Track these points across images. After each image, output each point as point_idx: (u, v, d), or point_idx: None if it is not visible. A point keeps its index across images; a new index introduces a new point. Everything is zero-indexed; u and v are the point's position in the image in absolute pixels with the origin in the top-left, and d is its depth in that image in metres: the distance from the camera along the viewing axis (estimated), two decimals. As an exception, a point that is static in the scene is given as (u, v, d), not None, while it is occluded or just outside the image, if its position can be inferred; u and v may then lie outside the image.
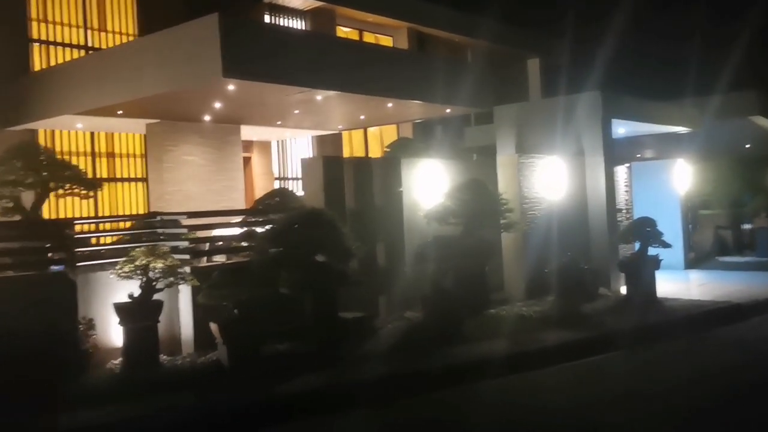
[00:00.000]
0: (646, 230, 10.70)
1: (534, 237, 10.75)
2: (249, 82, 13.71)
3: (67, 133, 19.67)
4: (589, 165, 11.87)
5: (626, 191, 13.26)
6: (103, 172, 20.09)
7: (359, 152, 22.75)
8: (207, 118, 18.25)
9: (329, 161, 8.87)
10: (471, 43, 24.95)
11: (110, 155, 20.38)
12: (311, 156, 8.77)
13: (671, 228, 14.66)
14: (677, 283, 12.78)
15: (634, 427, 5.85)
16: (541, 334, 8.72)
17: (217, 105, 16.36)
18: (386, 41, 22.69)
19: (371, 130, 24.29)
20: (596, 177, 11.78)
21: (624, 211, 13.10)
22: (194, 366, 7.15)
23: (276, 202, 9.47)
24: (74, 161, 19.47)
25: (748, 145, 21.37)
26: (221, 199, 17.55)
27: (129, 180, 20.40)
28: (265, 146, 25.81)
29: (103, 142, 20.20)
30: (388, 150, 12.12)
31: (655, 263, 10.70)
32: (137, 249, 7.16)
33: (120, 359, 7.15)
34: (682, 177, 15.03)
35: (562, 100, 12.17)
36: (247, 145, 24.87)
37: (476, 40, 24.27)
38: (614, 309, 10.07)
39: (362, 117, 19.85)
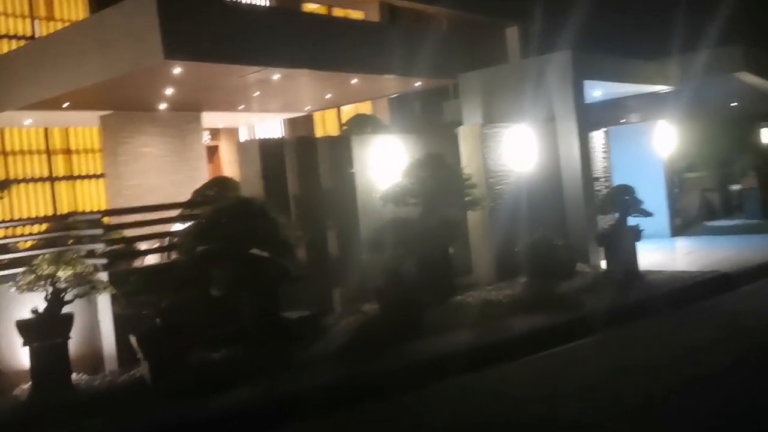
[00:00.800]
0: (624, 199, 9.87)
1: (503, 214, 9.92)
2: (197, 64, 12.81)
3: (18, 131, 18.68)
4: (561, 132, 11.01)
5: (604, 158, 12.42)
6: (59, 170, 19.16)
7: (333, 133, 21.86)
8: (163, 106, 17.31)
9: (266, 144, 7.99)
10: (446, 14, 23.94)
11: (66, 152, 19.42)
12: (246, 139, 7.91)
13: (655, 194, 13.85)
14: (662, 253, 11.99)
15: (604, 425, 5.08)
16: (510, 321, 7.93)
17: (170, 91, 15.40)
18: (357, 16, 21.68)
19: (345, 109, 23.36)
20: (569, 144, 10.92)
21: (602, 179, 12.26)
22: (113, 385, 6.33)
23: (215, 192, 8.62)
24: (28, 161, 18.60)
25: (734, 103, 20.51)
26: (184, 191, 16.53)
27: (88, 177, 19.48)
28: (232, 133, 24.80)
29: (57, 139, 19.26)
30: (345, 128, 11.23)
31: (636, 234, 9.89)
32: (41, 257, 6.31)
33: (30, 383, 6.33)
34: (665, 139, 14.18)
35: (531, 63, 11.29)
36: (215, 134, 23.91)
37: (451, 10, 23.29)
38: (592, 287, 9.27)
39: (328, 96, 18.89)
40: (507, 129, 10.23)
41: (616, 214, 9.98)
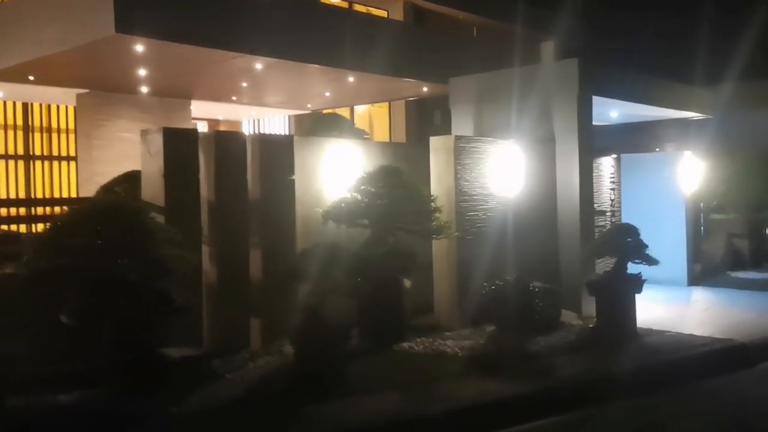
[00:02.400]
0: (625, 241, 8.14)
1: (476, 245, 8.24)
2: (161, 43, 11.48)
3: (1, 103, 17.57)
4: (560, 154, 9.31)
5: (612, 189, 10.66)
6: (37, 148, 18.00)
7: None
8: (144, 89, 16.08)
9: (174, 134, 6.46)
10: (476, 21, 22.32)
11: (46, 130, 18.25)
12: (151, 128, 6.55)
13: (673, 235, 12.06)
14: (671, 307, 10.17)
15: None
16: (459, 385, 6.26)
17: (145, 72, 14.15)
18: (380, 14, 20.26)
19: (359, 111, 21.93)
20: (568, 169, 9.22)
21: (608, 213, 10.51)
22: None
23: (123, 189, 7.14)
24: (1, 135, 17.46)
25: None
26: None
27: (67, 159, 18.28)
28: (234, 126, 23.51)
29: (37, 115, 18.10)
30: (308, 128, 9.69)
31: (636, 284, 8.13)
32: None
33: None
34: (689, 173, 12.35)
35: (532, 71, 9.61)
36: (214, 125, 22.61)
37: (482, 17, 21.70)
38: (573, 346, 7.54)
39: (327, 94, 17.50)
40: (491, 145, 8.56)
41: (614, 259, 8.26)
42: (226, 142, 6.92)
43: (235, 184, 6.96)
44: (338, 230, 7.35)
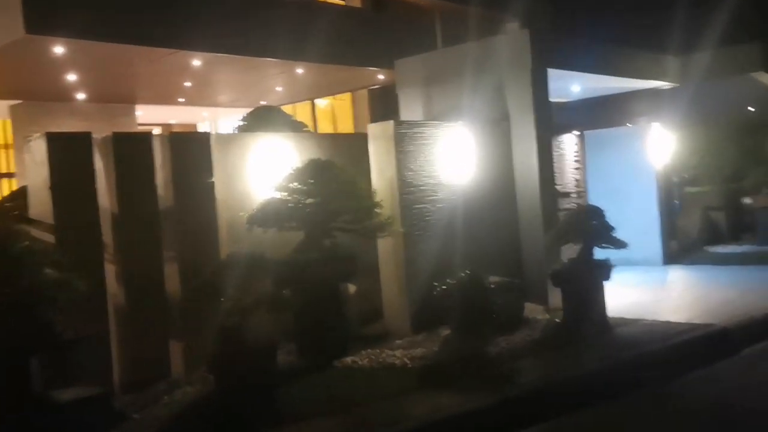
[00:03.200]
0: (590, 224, 7.40)
1: (426, 241, 7.46)
2: (81, 42, 10.56)
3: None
4: (515, 134, 8.55)
5: (577, 168, 9.92)
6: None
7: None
8: (82, 95, 15.12)
9: (61, 140, 5.61)
10: (438, 5, 21.49)
11: (-15, 146, 17.23)
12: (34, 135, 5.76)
13: (644, 212, 11.42)
14: (646, 290, 9.47)
15: None
16: (408, 401, 5.50)
17: (76, 77, 13.21)
18: (337, 1, 19.36)
19: (321, 105, 21.05)
20: (525, 150, 8.46)
21: (573, 195, 9.77)
22: None
23: (15, 205, 6.27)
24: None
25: (751, 108, 17.83)
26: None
27: (8, 176, 17.25)
28: (189, 130, 22.48)
29: (-24, 132, 17.06)
30: (240, 123, 8.82)
31: (604, 271, 7.40)
32: None
33: None
34: (659, 146, 11.67)
35: (479, 46, 8.83)
36: (167, 131, 21.61)
37: (444, 1, 20.90)
38: (537, 345, 6.78)
39: (279, 88, 16.64)
40: (437, 129, 7.76)
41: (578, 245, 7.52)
42: (127, 145, 6.07)
43: (142, 192, 6.11)
44: (269, 236, 6.53)
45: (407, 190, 7.28)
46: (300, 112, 20.35)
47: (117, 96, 15.57)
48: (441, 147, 7.79)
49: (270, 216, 6.32)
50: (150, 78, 13.93)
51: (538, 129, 8.36)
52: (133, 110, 16.63)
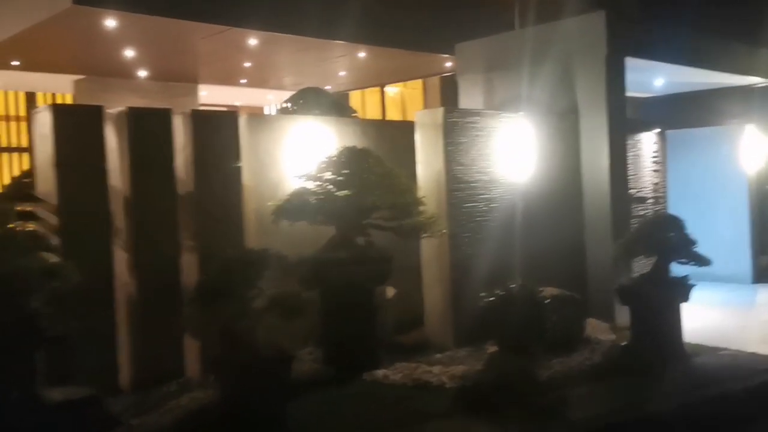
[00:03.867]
0: (666, 236, 6.40)
1: (475, 244, 6.63)
2: (129, 15, 10.27)
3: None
4: (585, 129, 7.61)
5: (656, 171, 8.83)
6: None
7: (375, 116, 19.07)
8: (143, 72, 15.03)
9: (69, 112, 5.15)
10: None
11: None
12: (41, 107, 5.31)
13: (733, 223, 10.22)
14: (731, 312, 8.35)
15: None
16: (431, 430, 4.77)
17: (130, 52, 13.06)
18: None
19: (390, 93, 20.46)
20: (596, 148, 7.50)
21: (651, 200, 8.70)
22: None
23: (31, 181, 5.88)
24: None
25: None
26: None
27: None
28: (257, 113, 22.35)
29: (42, 104, 17.33)
30: (284, 105, 8.21)
31: (682, 291, 6.40)
32: None
33: None
34: (753, 150, 10.41)
35: (548, 30, 7.91)
36: (234, 113, 21.45)
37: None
38: (596, 372, 5.87)
39: (342, 73, 16.10)
40: (494, 120, 6.92)
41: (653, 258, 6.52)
42: (145, 121, 5.54)
43: (160, 174, 5.58)
44: (302, 230, 5.89)
45: (456, 186, 6.48)
46: (369, 99, 19.82)
47: (179, 74, 15.40)
48: (498, 140, 6.94)
49: (297, 208, 5.67)
50: (209, 56, 13.65)
51: (610, 124, 7.38)
52: (195, 90, 16.47)
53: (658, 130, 8.74)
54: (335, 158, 5.79)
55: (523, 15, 8.02)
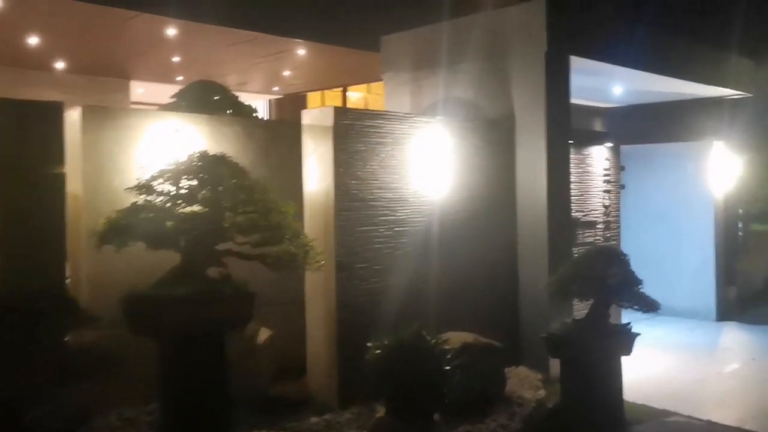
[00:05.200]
0: (605, 273, 5.18)
1: (373, 278, 5.35)
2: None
3: None
4: (520, 139, 6.38)
5: (608, 191, 7.63)
6: None
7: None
8: (61, 65, 13.67)
9: None
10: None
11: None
12: None
13: (697, 250, 9.11)
14: (689, 358, 7.14)
15: None
16: None
17: (40, 41, 11.72)
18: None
19: (353, 97, 19.31)
20: (532, 161, 6.27)
21: (601, 226, 7.49)
22: None
23: None
24: None
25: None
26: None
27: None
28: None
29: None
30: (172, 99, 6.90)
31: (623, 342, 5.18)
32: None
33: None
34: (721, 170, 9.30)
35: (483, 22, 6.70)
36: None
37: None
38: (509, 448, 4.63)
39: (286, 73, 14.88)
40: (403, 125, 5.65)
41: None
42: None
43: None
44: (158, 256, 4.57)
45: (349, 204, 5.19)
46: (330, 98, 18.70)
47: (106, 68, 14.09)
48: (409, 150, 5.68)
49: (125, 229, 4.35)
50: (136, 49, 12.36)
51: (549, 134, 6.16)
52: (127, 86, 15.17)
53: (610, 144, 7.56)
54: (183, 165, 4.49)
55: (458, 1, 6.80)
